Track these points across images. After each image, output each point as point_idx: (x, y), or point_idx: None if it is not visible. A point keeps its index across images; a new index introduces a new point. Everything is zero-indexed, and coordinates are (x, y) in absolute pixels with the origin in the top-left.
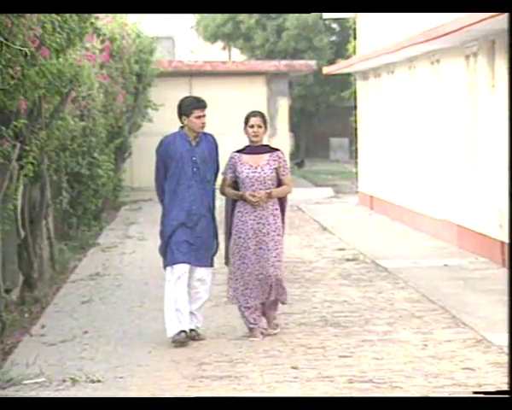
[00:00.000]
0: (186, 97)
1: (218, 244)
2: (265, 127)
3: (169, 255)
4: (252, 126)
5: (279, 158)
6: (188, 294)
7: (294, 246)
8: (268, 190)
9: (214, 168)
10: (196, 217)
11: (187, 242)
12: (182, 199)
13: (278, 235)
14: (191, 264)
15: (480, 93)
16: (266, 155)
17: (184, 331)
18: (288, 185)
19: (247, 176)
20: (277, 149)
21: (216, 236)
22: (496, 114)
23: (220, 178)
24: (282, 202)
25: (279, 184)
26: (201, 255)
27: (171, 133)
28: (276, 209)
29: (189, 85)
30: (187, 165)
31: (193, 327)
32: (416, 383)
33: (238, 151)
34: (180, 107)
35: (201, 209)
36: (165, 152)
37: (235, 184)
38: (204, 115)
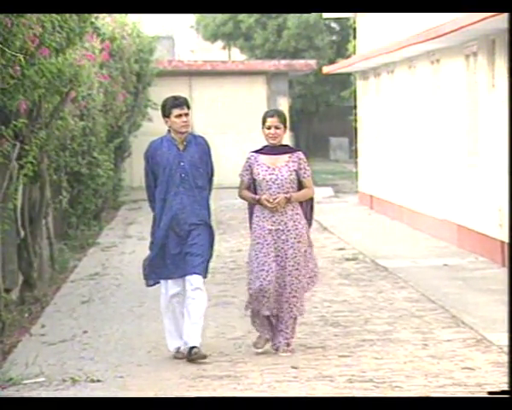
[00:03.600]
0: (165, 98)
1: (211, 255)
2: (285, 126)
3: (163, 268)
4: (269, 128)
5: (299, 159)
6: (186, 306)
7: None
8: (287, 195)
9: (207, 173)
10: (186, 226)
11: (179, 254)
12: (170, 207)
13: (299, 242)
14: (186, 274)
15: (479, 93)
16: (285, 156)
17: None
18: (310, 188)
19: (263, 178)
20: (298, 150)
21: (211, 246)
22: (496, 113)
23: (215, 182)
24: (307, 204)
25: (300, 186)
26: (197, 262)
27: (158, 137)
28: (297, 214)
29: (189, 85)
30: (174, 171)
31: (192, 345)
32: (416, 382)
33: (256, 151)
34: (161, 109)
35: (192, 218)
36: (151, 158)
37: (254, 186)
38: (186, 114)
